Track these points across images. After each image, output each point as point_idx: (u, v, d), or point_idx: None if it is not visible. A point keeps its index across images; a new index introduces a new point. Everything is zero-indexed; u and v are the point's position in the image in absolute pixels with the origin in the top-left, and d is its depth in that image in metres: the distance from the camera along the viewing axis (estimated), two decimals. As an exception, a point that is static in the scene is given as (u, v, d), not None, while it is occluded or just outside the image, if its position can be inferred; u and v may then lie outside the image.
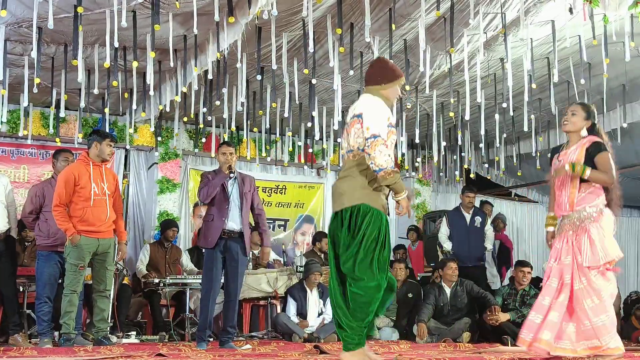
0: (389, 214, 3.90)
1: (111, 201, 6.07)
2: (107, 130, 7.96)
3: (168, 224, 8.32)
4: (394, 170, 3.72)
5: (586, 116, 4.48)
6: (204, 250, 6.02)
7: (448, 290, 7.63)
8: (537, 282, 8.30)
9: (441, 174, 10.97)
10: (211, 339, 6.47)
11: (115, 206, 6.14)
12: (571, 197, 4.37)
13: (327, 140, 9.28)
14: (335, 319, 3.96)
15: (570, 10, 5.99)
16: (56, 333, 6.31)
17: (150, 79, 6.47)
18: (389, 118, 3.88)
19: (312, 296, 7.52)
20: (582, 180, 4.35)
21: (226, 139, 8.69)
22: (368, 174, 3.81)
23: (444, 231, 8.72)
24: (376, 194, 3.82)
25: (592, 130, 4.50)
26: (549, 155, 4.68)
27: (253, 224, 6.34)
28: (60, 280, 6.16)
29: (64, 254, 5.93)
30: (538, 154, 9.64)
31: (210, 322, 5.95)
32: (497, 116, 7.81)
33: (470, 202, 8.56)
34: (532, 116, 8.23)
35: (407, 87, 7.09)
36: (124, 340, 6.66)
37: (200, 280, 6.69)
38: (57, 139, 8.05)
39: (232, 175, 5.91)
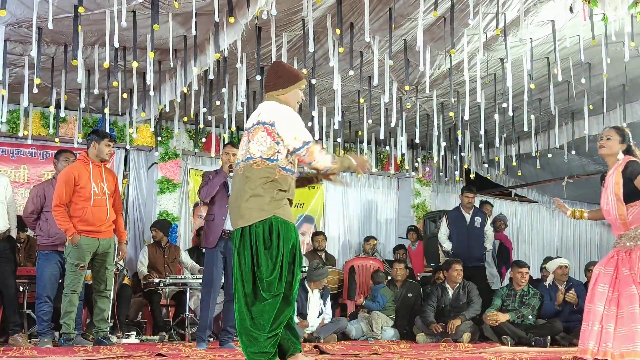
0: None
1: (111, 201, 6.08)
2: (107, 130, 7.96)
3: (152, 224, 8.38)
4: (335, 160, 3.67)
5: (621, 139, 4.60)
6: (204, 250, 6.02)
7: (451, 292, 7.63)
8: (535, 283, 8.31)
9: (441, 174, 10.97)
10: (211, 339, 6.47)
11: (115, 206, 6.14)
12: (621, 219, 4.49)
13: (327, 140, 9.27)
14: (240, 338, 3.57)
15: (571, 9, 5.99)
16: (56, 333, 6.31)
17: (150, 79, 6.46)
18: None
19: (314, 296, 7.52)
20: (625, 201, 4.48)
21: (226, 139, 8.70)
22: (275, 185, 3.56)
23: (443, 231, 8.72)
24: (284, 205, 3.59)
25: (627, 152, 4.62)
26: (600, 179, 4.81)
27: None
28: (60, 280, 6.17)
29: (64, 254, 5.94)
30: (538, 154, 9.64)
31: (211, 322, 5.95)
32: (497, 116, 7.80)
33: (469, 202, 8.56)
34: (532, 116, 8.23)
35: (407, 87, 7.08)
36: (124, 340, 6.66)
37: (200, 280, 6.69)
38: (57, 139, 8.05)
39: (232, 174, 5.91)
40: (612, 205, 4.52)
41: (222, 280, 6.10)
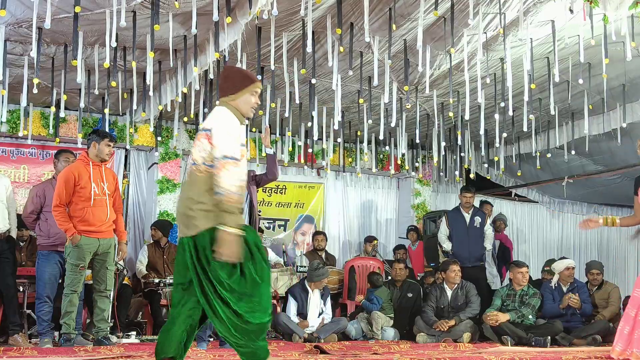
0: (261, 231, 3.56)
1: (111, 201, 6.07)
2: (107, 130, 7.96)
3: (152, 224, 8.39)
4: (237, 197, 3.30)
5: None
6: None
7: (449, 292, 7.63)
8: (535, 283, 8.32)
9: (441, 174, 10.97)
10: (211, 339, 6.47)
11: (115, 206, 6.14)
12: None
13: (327, 140, 9.27)
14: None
15: (571, 9, 5.99)
16: (56, 333, 6.31)
17: (150, 79, 6.47)
18: (240, 136, 3.44)
19: (314, 296, 7.52)
20: None
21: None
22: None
23: (443, 231, 8.73)
24: (230, 213, 3.32)
25: None
26: (634, 187, 4.85)
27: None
28: (60, 280, 6.17)
29: (64, 254, 5.94)
30: (538, 154, 9.63)
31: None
32: (497, 116, 7.80)
33: (467, 202, 8.58)
34: (532, 116, 8.23)
35: (407, 87, 7.08)
36: (124, 340, 6.66)
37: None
38: (57, 139, 8.05)
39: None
40: None
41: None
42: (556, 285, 7.70)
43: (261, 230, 9.06)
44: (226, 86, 3.54)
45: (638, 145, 4.84)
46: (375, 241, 9.80)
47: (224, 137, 3.34)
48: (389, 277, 8.54)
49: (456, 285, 7.61)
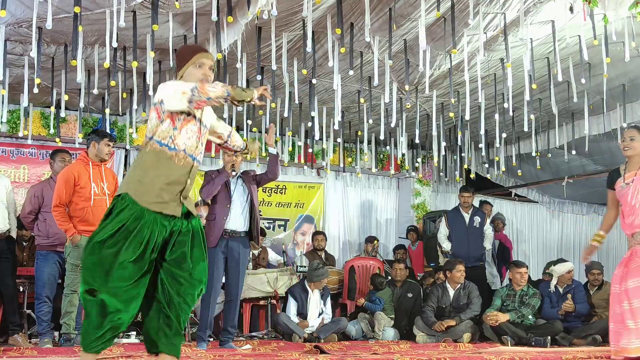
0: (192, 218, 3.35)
1: (111, 201, 6.06)
2: (107, 130, 7.96)
3: None
4: (227, 85, 3.13)
5: None
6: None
7: (452, 292, 7.63)
8: (535, 284, 8.31)
9: (441, 174, 10.97)
10: (211, 339, 6.47)
11: (114, 206, 6.13)
12: None
13: (327, 140, 9.27)
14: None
15: (571, 9, 5.99)
16: (56, 333, 6.31)
17: (150, 79, 6.47)
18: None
19: (314, 296, 7.51)
20: None
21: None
22: (146, 160, 3.27)
23: (443, 231, 8.73)
24: (147, 188, 3.19)
25: None
26: (608, 177, 4.83)
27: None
28: (59, 280, 6.16)
29: (64, 254, 5.93)
30: (538, 154, 9.64)
31: (211, 322, 5.95)
32: (497, 116, 7.81)
33: (465, 201, 8.59)
34: (532, 116, 8.23)
35: (407, 87, 7.08)
36: (124, 340, 6.65)
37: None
38: (57, 139, 8.05)
39: (234, 173, 5.93)
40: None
41: (223, 280, 6.10)
42: (554, 289, 7.70)
43: (263, 233, 9.02)
44: (177, 65, 3.40)
45: (622, 139, 4.80)
46: (376, 241, 9.80)
47: (175, 86, 3.19)
48: (389, 277, 8.54)
49: (459, 285, 7.61)
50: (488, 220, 8.86)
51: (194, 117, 3.29)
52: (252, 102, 3.19)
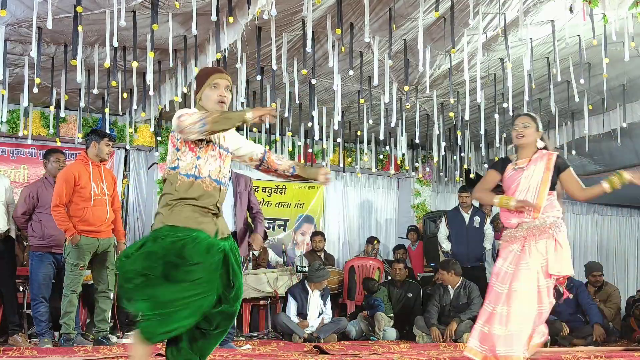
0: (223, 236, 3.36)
1: (111, 201, 6.07)
2: (107, 130, 7.96)
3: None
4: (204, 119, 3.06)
5: (537, 127, 4.37)
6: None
7: (452, 291, 7.63)
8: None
9: (441, 174, 10.97)
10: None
11: (113, 206, 6.13)
12: (538, 204, 4.33)
13: (327, 140, 9.28)
14: None
15: (571, 9, 5.99)
16: (56, 333, 6.31)
17: (150, 79, 6.47)
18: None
19: (314, 296, 7.52)
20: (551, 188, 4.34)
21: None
22: (172, 194, 3.21)
23: (442, 231, 8.73)
24: (179, 210, 3.18)
25: (541, 139, 4.42)
26: (500, 164, 4.52)
27: (252, 226, 6.31)
28: (54, 280, 6.16)
29: (64, 254, 5.92)
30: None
31: (210, 322, 5.94)
32: (497, 116, 7.81)
33: (464, 201, 8.60)
34: (532, 116, 8.22)
35: (407, 87, 7.08)
36: (124, 340, 6.65)
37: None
38: (57, 139, 8.05)
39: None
40: (532, 189, 4.37)
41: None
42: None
43: (265, 236, 9.00)
44: (195, 89, 3.39)
45: (514, 127, 4.43)
46: (376, 242, 9.80)
47: (180, 113, 3.16)
48: (389, 277, 8.54)
49: (458, 285, 7.61)
50: (488, 220, 8.86)
51: (212, 142, 3.31)
52: (246, 124, 3.20)
